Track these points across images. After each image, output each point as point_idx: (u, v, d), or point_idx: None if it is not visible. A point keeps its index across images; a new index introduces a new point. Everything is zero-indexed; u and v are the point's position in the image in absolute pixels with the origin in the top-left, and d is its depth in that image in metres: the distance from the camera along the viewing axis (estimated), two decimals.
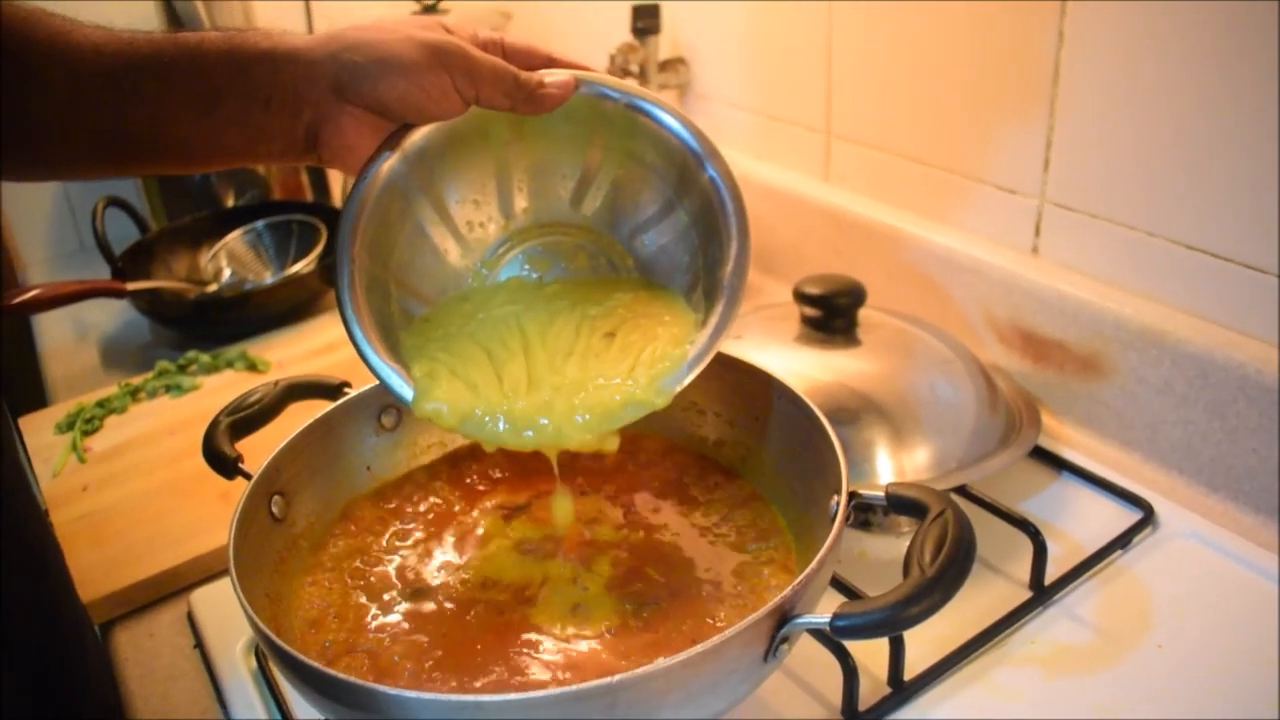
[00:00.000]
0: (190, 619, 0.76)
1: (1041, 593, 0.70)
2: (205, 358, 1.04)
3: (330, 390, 0.71)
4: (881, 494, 0.55)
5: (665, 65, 1.18)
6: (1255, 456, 0.75)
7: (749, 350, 0.84)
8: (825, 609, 0.49)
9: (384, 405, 0.72)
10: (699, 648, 0.45)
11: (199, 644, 0.73)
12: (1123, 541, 0.74)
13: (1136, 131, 0.78)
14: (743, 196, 0.60)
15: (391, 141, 0.59)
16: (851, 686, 0.61)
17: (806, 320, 0.85)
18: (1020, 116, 0.85)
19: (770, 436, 0.67)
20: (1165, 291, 0.80)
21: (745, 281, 0.58)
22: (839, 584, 0.68)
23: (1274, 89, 0.69)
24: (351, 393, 0.70)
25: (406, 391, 0.58)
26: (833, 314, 0.83)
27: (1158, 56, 0.75)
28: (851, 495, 0.55)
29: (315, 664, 0.48)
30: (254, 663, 0.70)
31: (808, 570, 0.49)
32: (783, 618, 0.48)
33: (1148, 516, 0.76)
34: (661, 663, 0.44)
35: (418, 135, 0.60)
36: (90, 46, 0.53)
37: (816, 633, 0.52)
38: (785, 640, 0.48)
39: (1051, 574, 0.71)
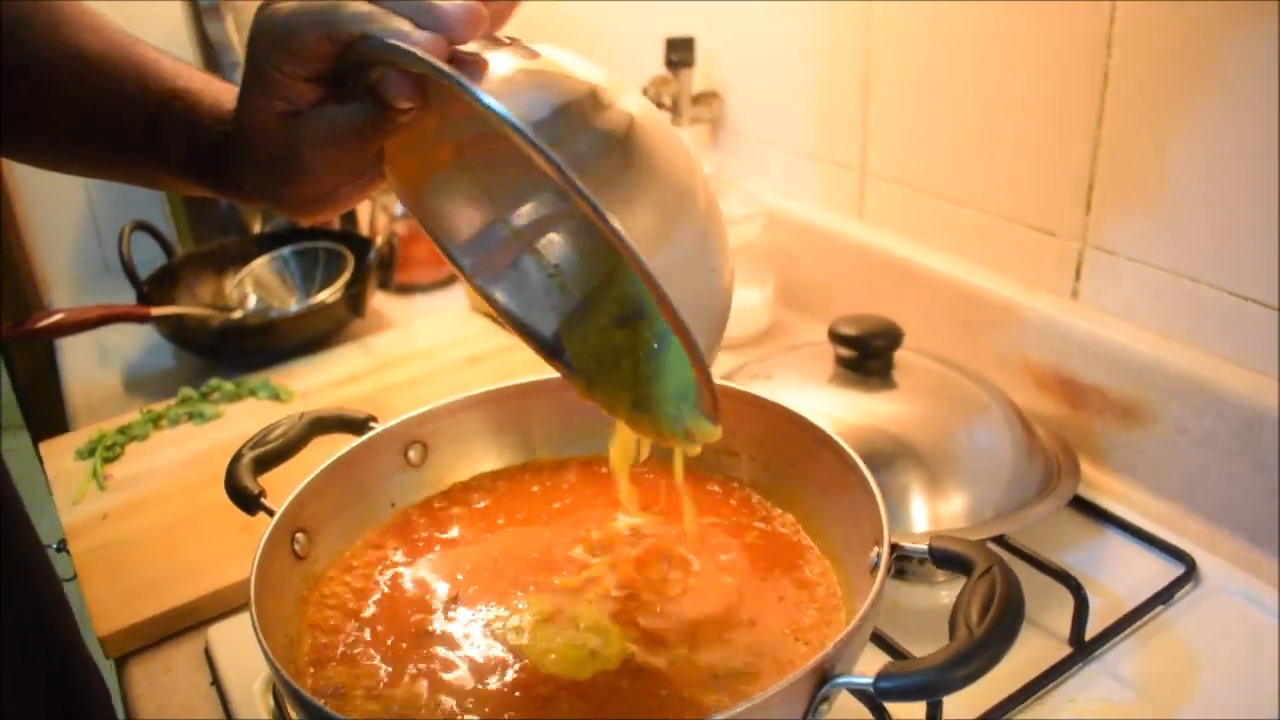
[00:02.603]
0: (207, 655, 0.74)
1: (1082, 649, 0.68)
2: (229, 385, 1.03)
3: (356, 425, 0.70)
4: (924, 546, 0.53)
5: (699, 99, 1.17)
6: None
7: (781, 390, 0.82)
8: (865, 665, 0.47)
9: (411, 440, 0.70)
10: (738, 708, 0.43)
11: (215, 681, 0.72)
12: (1164, 596, 0.72)
13: (1184, 177, 0.76)
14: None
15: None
16: None
17: (841, 361, 0.83)
18: (1061, 158, 0.84)
19: (807, 482, 0.65)
20: (1210, 340, 0.78)
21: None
22: (873, 635, 0.67)
23: None
24: (377, 427, 0.69)
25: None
26: (868, 355, 0.82)
27: (1205, 104, 0.73)
28: (893, 547, 0.53)
29: (335, 714, 0.46)
30: (271, 702, 0.68)
31: (850, 627, 0.47)
32: (823, 677, 0.46)
33: (1190, 571, 0.74)
34: None
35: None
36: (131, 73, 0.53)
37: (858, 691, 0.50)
38: (825, 700, 0.47)
39: (1091, 629, 0.69)
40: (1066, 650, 0.68)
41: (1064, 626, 0.69)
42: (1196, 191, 0.76)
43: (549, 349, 0.58)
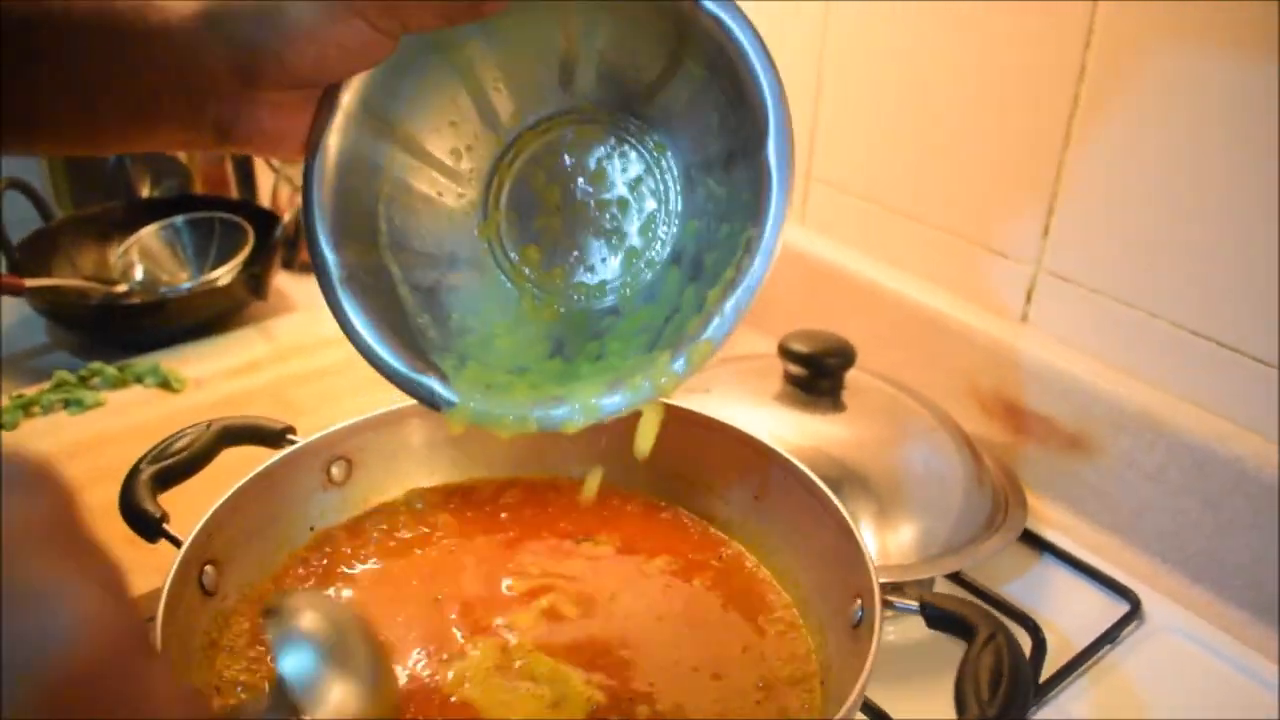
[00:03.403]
0: None
1: (1036, 691, 0.66)
2: (111, 370, 0.93)
3: (272, 436, 0.63)
4: (916, 605, 0.49)
5: None
6: (1247, 553, 0.73)
7: (723, 408, 0.78)
8: None
9: (334, 456, 0.63)
10: None
11: None
12: (1111, 636, 0.71)
13: (1145, 208, 0.75)
14: (759, 33, 0.47)
15: (325, 110, 0.50)
16: None
17: (790, 378, 0.79)
18: (1024, 179, 0.81)
19: (772, 518, 0.61)
20: (1164, 376, 0.77)
21: (791, 152, 0.46)
22: None
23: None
24: (298, 440, 0.62)
25: (445, 393, 0.51)
26: (820, 374, 0.78)
27: (1172, 135, 0.72)
28: (884, 604, 0.50)
29: None
30: None
31: (846, 707, 0.43)
32: None
33: (1135, 609, 0.73)
34: None
35: (354, 87, 0.50)
36: None
37: None
38: None
39: (1044, 670, 0.67)
40: None
41: None
42: (1156, 225, 0.74)
43: (395, 372, 0.52)
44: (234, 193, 1.21)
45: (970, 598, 0.69)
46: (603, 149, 0.55)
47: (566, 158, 0.55)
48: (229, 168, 1.20)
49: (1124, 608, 0.73)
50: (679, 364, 0.47)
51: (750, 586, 0.60)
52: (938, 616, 0.48)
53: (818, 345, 0.78)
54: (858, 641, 0.49)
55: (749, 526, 0.63)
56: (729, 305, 0.47)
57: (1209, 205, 0.71)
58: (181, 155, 1.17)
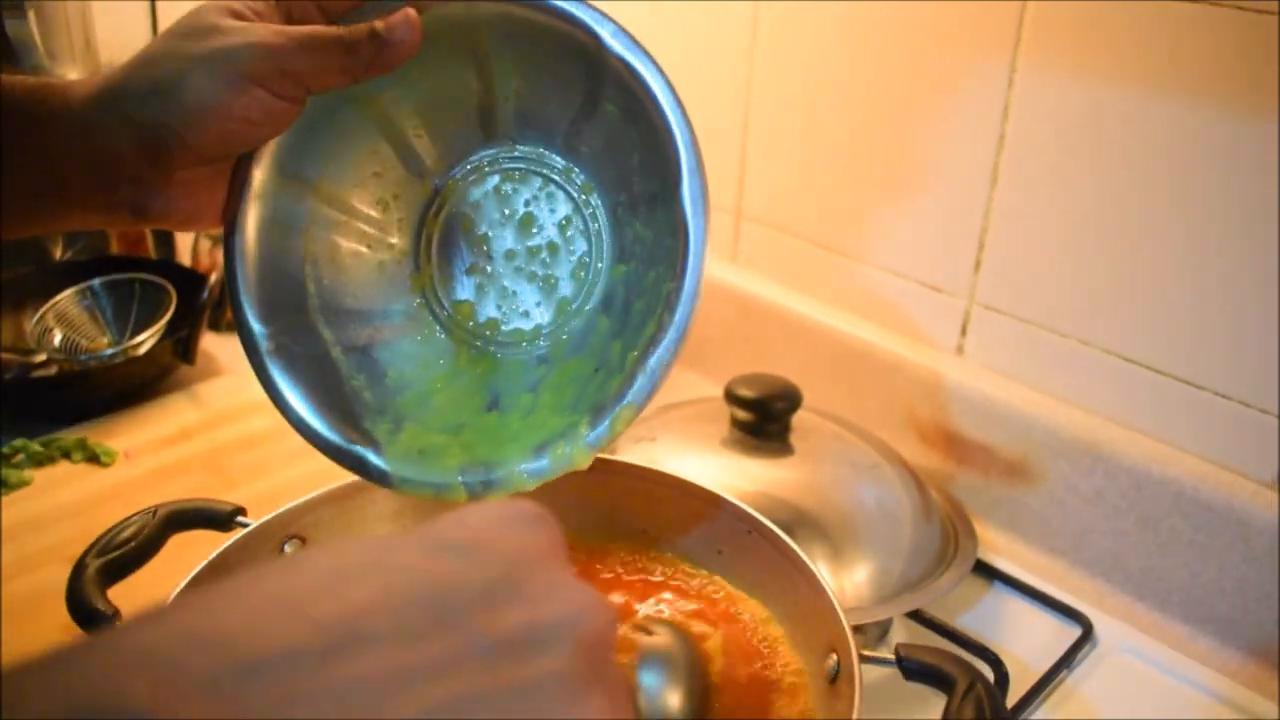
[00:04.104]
0: None
1: None
2: (35, 446, 0.89)
3: (221, 520, 0.61)
4: (892, 658, 0.50)
5: None
6: (1186, 570, 0.76)
7: (668, 456, 0.79)
8: None
9: (288, 535, 0.62)
10: None
11: None
12: (1067, 661, 0.73)
13: (1072, 239, 0.77)
14: (667, 77, 0.47)
15: (238, 182, 0.50)
16: None
17: (737, 424, 0.80)
18: (954, 215, 0.83)
19: (736, 571, 0.61)
20: (1098, 401, 0.79)
21: (705, 200, 0.48)
22: None
23: (1205, 206, 0.70)
24: (249, 523, 0.60)
25: (377, 463, 0.51)
26: (768, 419, 0.79)
27: (1099, 165, 0.74)
28: (861, 658, 0.50)
29: None
30: None
31: None
32: None
33: (1087, 632, 0.75)
34: None
35: (266, 154, 0.50)
36: None
37: None
38: None
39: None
40: None
41: None
42: (1084, 255, 0.77)
43: (327, 444, 0.52)
44: (152, 252, 1.17)
45: (938, 643, 0.69)
46: (529, 192, 0.55)
47: (494, 203, 0.55)
48: (147, 230, 1.16)
49: (1077, 631, 0.75)
50: (601, 431, 0.48)
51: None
52: (915, 670, 0.49)
53: (764, 390, 0.79)
54: (837, 696, 0.49)
55: (715, 584, 0.63)
56: (651, 363, 0.47)
57: (1134, 233, 0.74)
58: None
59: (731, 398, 0.79)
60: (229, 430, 0.94)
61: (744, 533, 0.60)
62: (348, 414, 0.53)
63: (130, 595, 0.56)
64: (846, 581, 0.72)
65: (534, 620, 0.27)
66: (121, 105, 0.46)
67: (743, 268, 1.02)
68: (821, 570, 0.69)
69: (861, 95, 0.87)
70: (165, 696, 0.22)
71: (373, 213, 0.55)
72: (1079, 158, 0.75)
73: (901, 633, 0.75)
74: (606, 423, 0.48)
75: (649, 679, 0.49)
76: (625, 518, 0.65)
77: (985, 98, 0.78)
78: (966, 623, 0.76)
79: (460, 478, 0.50)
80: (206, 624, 0.24)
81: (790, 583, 0.56)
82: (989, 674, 0.67)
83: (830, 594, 0.53)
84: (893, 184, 0.87)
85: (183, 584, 0.55)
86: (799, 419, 0.81)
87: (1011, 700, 0.68)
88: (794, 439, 0.80)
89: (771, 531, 0.58)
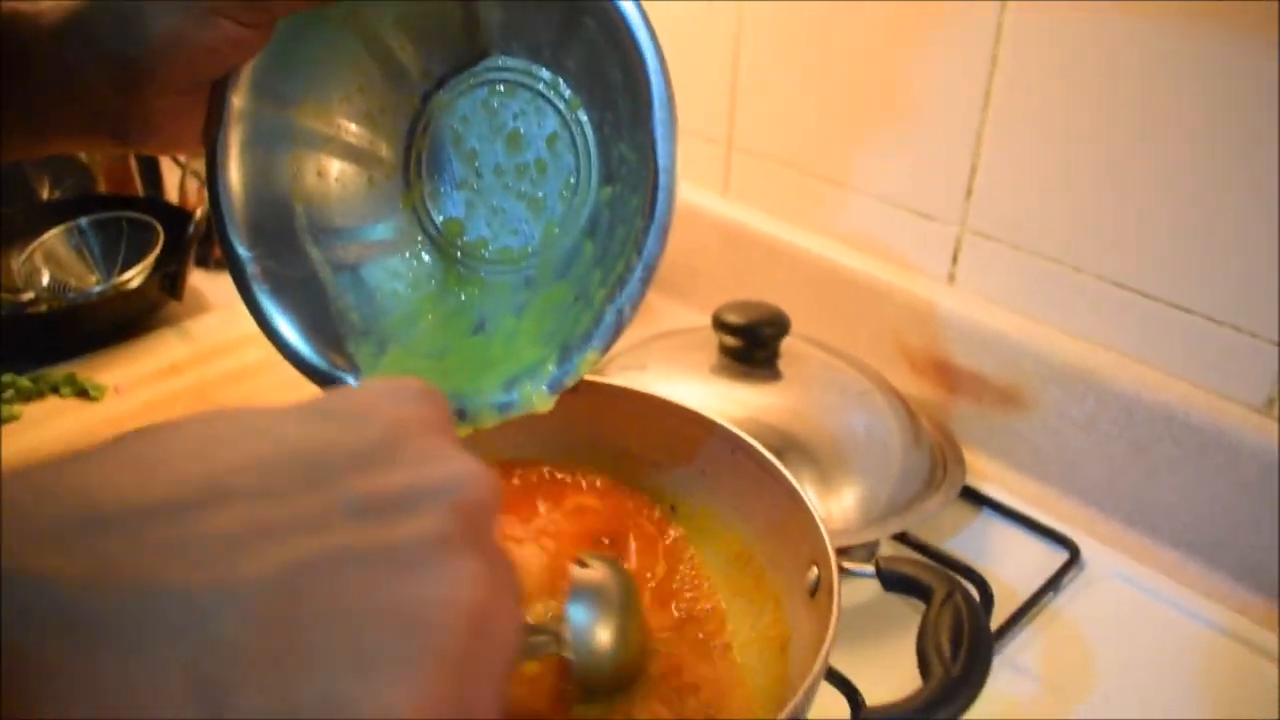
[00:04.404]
0: None
1: None
2: (24, 382, 0.89)
3: None
4: (871, 570, 0.50)
5: None
6: (1177, 495, 0.75)
7: (658, 383, 0.78)
8: None
9: None
10: None
11: None
12: (1054, 584, 0.73)
13: (1064, 164, 0.76)
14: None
15: (214, 107, 0.49)
16: None
17: (726, 350, 0.79)
18: (944, 142, 0.82)
19: (719, 491, 0.61)
20: (1090, 327, 0.79)
21: (673, 132, 0.45)
22: None
23: (1200, 130, 0.69)
24: None
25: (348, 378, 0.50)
26: (755, 345, 0.78)
27: (1091, 90, 0.73)
28: (840, 569, 0.50)
29: None
30: None
31: (813, 673, 0.43)
32: None
33: (1074, 556, 0.75)
34: None
35: (242, 78, 0.49)
36: None
37: None
38: None
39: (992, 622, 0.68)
40: None
41: None
42: (1076, 180, 0.76)
43: (314, 369, 0.51)
44: (140, 190, 1.16)
45: (919, 557, 0.70)
46: (517, 105, 0.53)
47: (483, 117, 0.54)
48: (133, 165, 1.16)
49: (1064, 556, 0.75)
50: (566, 371, 0.48)
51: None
52: (894, 579, 0.49)
53: (752, 316, 0.78)
54: (816, 609, 0.49)
55: (697, 500, 0.63)
56: (617, 304, 0.46)
57: (1127, 159, 0.73)
58: (82, 155, 1.12)
59: (719, 324, 0.79)
60: (218, 364, 0.94)
61: (728, 452, 0.60)
62: (333, 338, 0.52)
63: None
64: (834, 506, 0.72)
65: (409, 484, 0.26)
66: (88, 37, 0.45)
67: (734, 199, 1.01)
68: (805, 486, 0.70)
69: (852, 19, 0.85)
70: (14, 545, 0.22)
71: (359, 128, 0.54)
72: (1072, 81, 0.74)
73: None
74: (572, 364, 0.47)
75: (578, 613, 0.46)
76: (610, 438, 0.65)
77: (977, 19, 0.77)
78: (954, 547, 0.76)
79: None
80: (64, 478, 0.24)
81: (773, 499, 0.56)
82: (974, 596, 0.67)
83: (812, 507, 0.53)
84: (883, 109, 0.86)
85: None
86: (788, 346, 0.80)
87: (996, 622, 0.68)
88: (782, 365, 0.79)
89: (754, 449, 0.58)
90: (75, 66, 0.46)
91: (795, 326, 0.81)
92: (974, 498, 0.81)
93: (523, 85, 0.53)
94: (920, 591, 0.47)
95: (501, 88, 0.53)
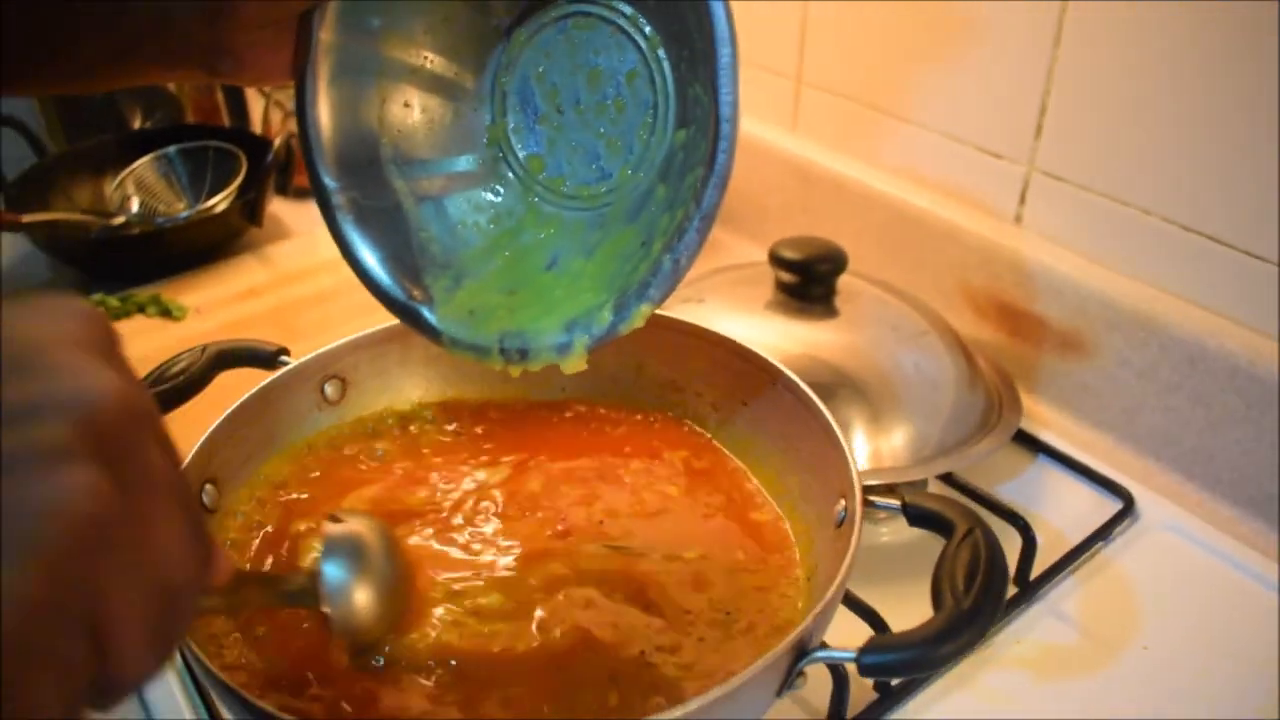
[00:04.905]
0: None
1: (1027, 588, 0.67)
2: (113, 301, 0.94)
3: (265, 359, 0.64)
4: (898, 504, 0.50)
5: None
6: (1238, 448, 0.73)
7: (714, 317, 0.78)
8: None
9: (327, 375, 0.64)
10: (714, 693, 0.40)
11: None
12: (1104, 533, 0.72)
13: (1138, 104, 0.74)
14: None
15: (303, 39, 0.50)
16: (841, 694, 0.57)
17: (782, 286, 0.79)
18: (1015, 78, 0.80)
19: (761, 423, 0.62)
20: (1157, 273, 0.76)
21: (734, 85, 0.44)
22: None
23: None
24: (290, 362, 0.63)
25: (430, 319, 0.53)
26: (811, 281, 0.78)
27: (1167, 31, 0.70)
28: (866, 502, 0.50)
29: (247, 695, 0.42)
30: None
31: (828, 597, 0.44)
32: (802, 651, 0.43)
33: (1128, 506, 0.74)
34: (675, 711, 0.39)
35: (329, 10, 0.50)
36: None
37: None
38: (801, 674, 0.44)
39: (1036, 568, 0.68)
40: (1012, 590, 0.67)
41: (1010, 565, 0.68)
42: (1147, 121, 0.73)
43: (391, 299, 0.54)
44: (226, 120, 1.20)
45: (958, 497, 0.69)
46: (598, 41, 0.53)
47: (565, 52, 0.54)
48: (220, 97, 1.19)
49: (1117, 505, 0.74)
50: (618, 322, 0.49)
51: (738, 491, 0.61)
52: (917, 515, 0.49)
53: (808, 251, 0.78)
54: (841, 539, 0.50)
55: (738, 432, 0.63)
56: (675, 256, 0.46)
57: (1200, 101, 0.70)
58: (171, 86, 1.16)
59: (776, 259, 0.78)
60: (295, 289, 0.97)
61: (768, 384, 0.60)
62: (412, 269, 0.54)
63: (179, 425, 0.59)
64: (884, 444, 0.72)
65: (33, 394, 0.27)
66: None
67: (803, 135, 1.00)
68: (844, 421, 0.70)
69: None
70: None
71: (445, 60, 0.55)
72: (1146, 19, 0.71)
73: None
74: (628, 314, 0.48)
75: (332, 569, 0.45)
76: (654, 367, 0.66)
77: None
78: (1007, 492, 0.76)
79: (499, 343, 0.52)
80: None
81: (809, 434, 0.57)
82: (1016, 540, 0.67)
83: (843, 442, 0.53)
84: (953, 44, 0.84)
85: (225, 414, 0.58)
86: (846, 284, 0.80)
87: (1040, 568, 0.68)
88: (839, 302, 0.79)
89: (793, 382, 0.58)
90: (165, 2, 0.48)
91: (860, 264, 0.80)
92: (1031, 443, 0.80)
93: (604, 20, 0.53)
94: (942, 527, 0.48)
95: (584, 22, 0.53)
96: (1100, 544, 0.71)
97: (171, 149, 1.09)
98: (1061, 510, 0.74)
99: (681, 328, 0.65)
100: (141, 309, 0.94)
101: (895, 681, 0.60)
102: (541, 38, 0.54)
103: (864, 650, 0.42)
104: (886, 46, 0.89)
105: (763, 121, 1.03)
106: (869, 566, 0.66)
